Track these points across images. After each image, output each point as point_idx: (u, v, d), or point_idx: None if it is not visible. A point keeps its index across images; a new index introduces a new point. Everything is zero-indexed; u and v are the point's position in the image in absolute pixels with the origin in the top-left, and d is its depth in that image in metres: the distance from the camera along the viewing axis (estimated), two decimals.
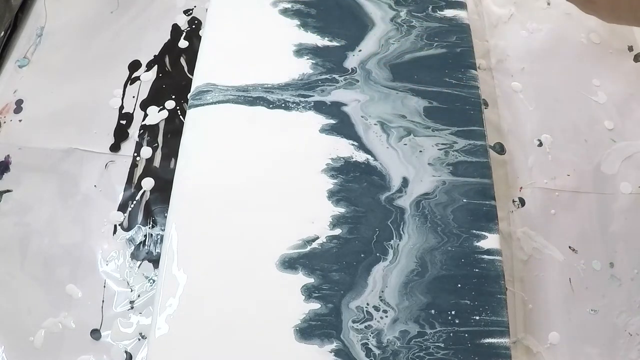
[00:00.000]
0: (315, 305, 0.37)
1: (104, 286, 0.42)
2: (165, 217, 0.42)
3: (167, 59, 0.53)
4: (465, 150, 0.42)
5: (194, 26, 0.54)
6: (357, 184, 0.40)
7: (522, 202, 0.45)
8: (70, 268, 0.43)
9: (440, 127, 0.43)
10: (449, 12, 0.48)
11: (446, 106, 0.44)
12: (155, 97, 0.50)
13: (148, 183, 0.46)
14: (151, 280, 0.42)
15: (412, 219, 0.39)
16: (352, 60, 0.46)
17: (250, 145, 0.42)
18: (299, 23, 0.48)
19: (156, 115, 0.49)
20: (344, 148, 0.42)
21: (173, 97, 0.50)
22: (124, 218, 0.45)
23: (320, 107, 0.44)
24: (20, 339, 0.40)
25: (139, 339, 0.40)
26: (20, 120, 0.50)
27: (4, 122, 0.50)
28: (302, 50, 0.47)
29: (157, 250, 0.43)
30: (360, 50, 0.46)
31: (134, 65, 0.52)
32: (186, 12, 0.55)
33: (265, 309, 0.36)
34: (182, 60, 0.52)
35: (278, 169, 0.41)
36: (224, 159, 0.42)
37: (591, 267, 0.43)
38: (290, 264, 0.38)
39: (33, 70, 0.53)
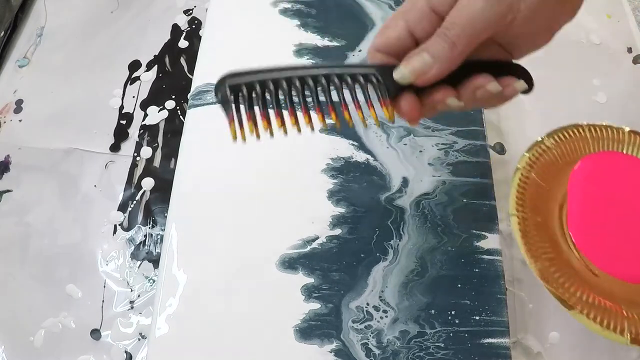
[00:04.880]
0: (315, 305, 0.37)
1: (104, 286, 0.42)
2: (165, 217, 0.41)
3: (167, 59, 0.53)
4: (465, 150, 0.42)
5: (194, 26, 0.54)
6: (357, 184, 0.40)
7: None
8: (70, 268, 0.43)
9: (440, 127, 0.43)
10: None
11: None
12: (155, 97, 0.50)
13: (148, 183, 0.46)
14: (151, 280, 0.42)
15: (412, 218, 0.39)
16: (352, 60, 0.46)
17: (250, 145, 0.42)
18: (299, 23, 0.48)
19: (156, 115, 0.49)
20: (344, 148, 0.42)
21: (173, 97, 0.50)
22: (124, 218, 0.45)
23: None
24: (20, 339, 0.40)
25: (139, 339, 0.40)
26: (20, 120, 0.50)
27: (4, 122, 0.50)
28: (302, 50, 0.47)
29: (157, 250, 0.43)
30: (360, 50, 0.46)
31: (134, 65, 0.52)
32: (186, 12, 0.55)
33: (265, 309, 0.36)
34: (182, 60, 0.52)
35: (278, 169, 0.41)
36: (224, 159, 0.42)
37: None
38: (290, 264, 0.38)
39: (33, 70, 0.53)
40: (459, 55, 0.28)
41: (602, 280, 0.35)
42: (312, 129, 0.28)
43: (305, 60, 0.46)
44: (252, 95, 0.29)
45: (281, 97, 0.29)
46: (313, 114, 0.29)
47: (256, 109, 0.29)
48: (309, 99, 0.29)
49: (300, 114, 0.28)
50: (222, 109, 0.28)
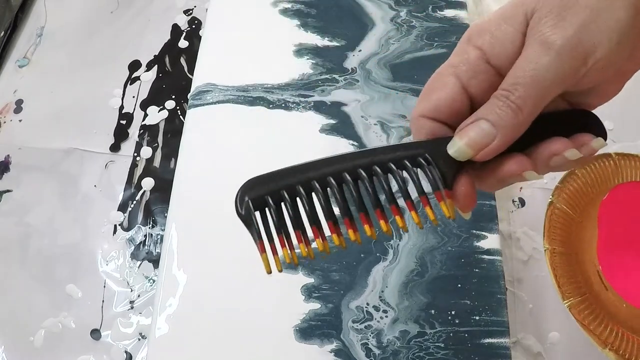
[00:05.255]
0: (315, 305, 0.36)
1: (104, 286, 0.42)
2: (165, 217, 0.41)
3: (167, 59, 0.53)
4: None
5: (194, 26, 0.54)
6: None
7: (522, 202, 0.45)
8: (70, 268, 0.43)
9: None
10: (449, 12, 0.48)
11: None
12: (155, 97, 0.50)
13: (148, 183, 0.46)
14: (151, 280, 0.42)
15: (412, 219, 0.39)
16: (352, 60, 0.46)
17: (250, 145, 0.42)
18: (299, 23, 0.48)
19: (156, 115, 0.49)
20: (344, 148, 0.42)
21: (173, 97, 0.50)
22: (124, 218, 0.45)
23: (320, 107, 0.44)
24: (20, 339, 0.40)
25: (139, 339, 0.40)
26: (20, 120, 0.50)
27: (4, 122, 0.50)
28: (302, 50, 0.46)
29: (157, 250, 0.43)
30: (360, 50, 0.46)
31: (134, 65, 0.52)
32: (186, 12, 0.55)
33: (265, 309, 0.36)
34: (182, 60, 0.52)
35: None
36: (224, 159, 0.42)
37: None
38: (290, 263, 0.38)
39: (33, 70, 0.53)
40: (525, 121, 0.23)
41: (631, 315, 0.35)
42: (360, 242, 0.24)
43: (305, 60, 0.46)
44: (280, 207, 0.24)
45: (316, 202, 0.24)
46: (355, 218, 0.24)
47: (289, 225, 0.24)
48: (348, 197, 0.24)
49: (343, 227, 0.24)
50: (248, 231, 0.24)
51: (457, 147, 0.24)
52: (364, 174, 0.24)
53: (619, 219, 0.36)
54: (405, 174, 0.25)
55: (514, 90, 0.23)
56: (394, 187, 0.24)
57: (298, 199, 0.24)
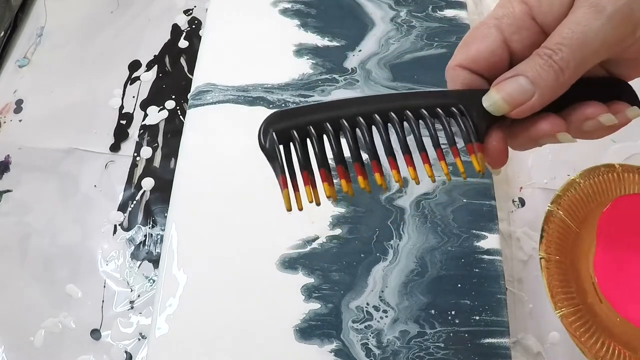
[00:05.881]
0: (315, 305, 0.37)
1: (104, 286, 0.42)
2: (165, 217, 0.41)
3: (167, 59, 0.53)
4: (465, 150, 0.42)
5: (194, 26, 0.54)
6: (357, 183, 0.40)
7: (522, 202, 0.45)
8: (70, 268, 0.43)
9: (441, 127, 0.43)
10: (449, 12, 0.48)
11: None
12: (155, 97, 0.50)
13: (148, 183, 0.46)
14: (151, 280, 0.42)
15: (412, 219, 0.39)
16: (352, 60, 0.46)
17: (250, 145, 0.42)
18: (299, 23, 0.48)
19: (156, 115, 0.49)
20: (343, 148, 0.42)
21: (173, 97, 0.50)
22: (124, 218, 0.45)
23: None
24: (20, 339, 0.40)
25: (139, 339, 0.40)
26: (20, 120, 0.50)
27: (4, 122, 0.50)
28: (302, 50, 0.47)
29: (157, 250, 0.43)
30: (360, 50, 0.46)
31: (134, 65, 0.52)
32: (186, 12, 0.55)
33: (265, 309, 0.36)
34: (182, 60, 0.52)
35: None
36: (224, 159, 0.42)
37: None
38: (290, 264, 0.38)
39: (33, 70, 0.53)
40: (565, 83, 0.23)
41: (625, 330, 0.34)
42: (385, 188, 0.23)
43: (305, 60, 0.46)
44: (306, 143, 0.23)
45: (343, 141, 0.23)
46: (383, 163, 0.23)
47: (313, 162, 0.23)
48: (377, 142, 0.23)
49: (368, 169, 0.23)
50: (270, 165, 0.23)
51: (493, 101, 0.24)
52: (395, 117, 0.23)
53: (618, 232, 0.36)
54: (436, 122, 0.24)
55: (558, 51, 0.22)
56: (424, 134, 0.24)
57: (325, 137, 0.23)
